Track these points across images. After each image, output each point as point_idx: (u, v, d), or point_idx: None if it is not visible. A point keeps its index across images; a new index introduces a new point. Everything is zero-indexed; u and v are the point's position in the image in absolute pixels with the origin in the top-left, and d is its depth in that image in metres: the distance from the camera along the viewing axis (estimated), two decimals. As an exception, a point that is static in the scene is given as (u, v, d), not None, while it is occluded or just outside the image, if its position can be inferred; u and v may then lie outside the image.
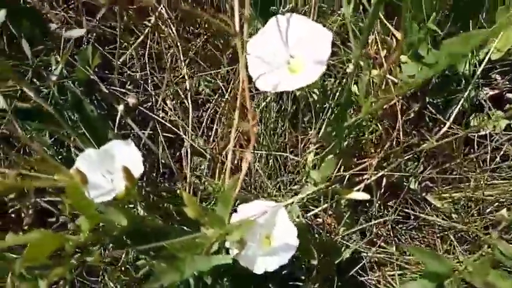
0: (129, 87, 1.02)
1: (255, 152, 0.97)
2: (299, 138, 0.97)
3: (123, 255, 0.76)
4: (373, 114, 0.72)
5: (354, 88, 0.84)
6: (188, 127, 0.92)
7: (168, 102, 0.92)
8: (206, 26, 0.98)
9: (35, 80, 0.93)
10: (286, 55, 0.67)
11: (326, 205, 0.78)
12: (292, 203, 0.71)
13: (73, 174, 0.57)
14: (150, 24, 0.89)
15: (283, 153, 0.94)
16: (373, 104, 0.60)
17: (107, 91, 0.89)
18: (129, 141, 0.66)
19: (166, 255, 0.67)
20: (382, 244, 0.91)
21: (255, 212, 0.65)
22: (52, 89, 0.85)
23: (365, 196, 0.71)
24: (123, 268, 0.84)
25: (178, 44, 0.92)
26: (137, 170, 0.62)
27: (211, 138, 0.93)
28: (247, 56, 0.66)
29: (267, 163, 0.96)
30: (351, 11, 0.57)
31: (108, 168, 0.64)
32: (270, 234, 0.66)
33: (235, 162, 1.01)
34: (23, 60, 0.92)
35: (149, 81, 1.00)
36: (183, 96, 0.96)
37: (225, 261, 0.63)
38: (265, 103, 0.97)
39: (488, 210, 0.94)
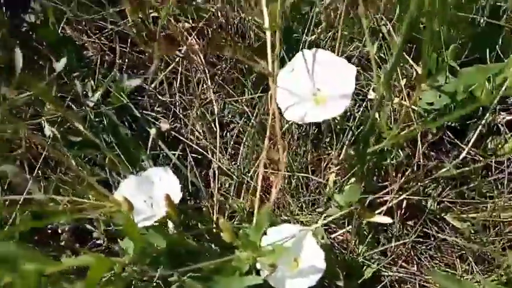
0: (158, 109, 1.08)
1: (278, 172, 1.02)
2: (322, 158, 1.01)
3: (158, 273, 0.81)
4: (396, 143, 0.76)
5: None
6: (216, 149, 0.97)
7: (197, 126, 0.97)
8: (232, 52, 1.03)
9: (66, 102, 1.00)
10: (313, 88, 0.71)
11: (350, 227, 0.82)
12: (317, 226, 0.75)
13: (120, 201, 0.62)
14: (181, 54, 0.94)
15: (305, 175, 0.98)
16: (397, 134, 0.64)
17: (139, 115, 0.94)
18: (167, 168, 0.71)
19: (200, 275, 0.72)
20: (403, 264, 0.94)
21: (284, 235, 0.69)
22: (89, 114, 0.91)
23: (387, 220, 0.74)
24: (154, 284, 0.89)
25: (206, 70, 0.97)
26: (176, 196, 0.66)
27: (239, 158, 0.98)
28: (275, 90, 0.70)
29: (289, 183, 1.00)
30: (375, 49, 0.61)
31: (148, 194, 0.69)
32: (297, 257, 0.70)
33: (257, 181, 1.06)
34: (61, 85, 0.99)
35: (177, 103, 1.05)
36: (210, 119, 1.01)
37: (257, 282, 0.68)
38: (287, 125, 1.01)
39: (506, 230, 0.96)
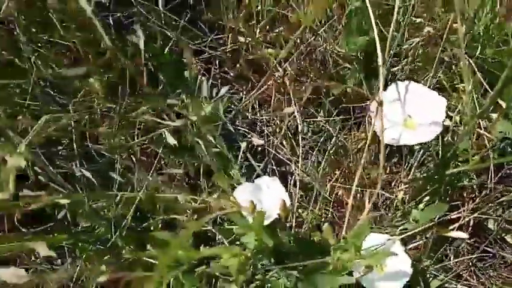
0: (239, 121, 1.21)
1: (349, 187, 1.12)
2: (390, 176, 1.11)
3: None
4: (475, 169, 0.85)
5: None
6: (293, 162, 1.09)
7: (283, 141, 1.09)
8: (313, 76, 1.15)
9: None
10: (405, 115, 0.82)
11: (421, 241, 0.91)
12: (399, 238, 0.84)
13: (239, 203, 0.74)
14: (274, 80, 1.07)
15: (378, 191, 1.07)
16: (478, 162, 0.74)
17: (233, 130, 1.07)
18: (275, 178, 0.82)
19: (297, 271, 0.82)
20: (467, 277, 1.03)
21: (374, 242, 0.79)
22: (189, 128, 1.04)
23: (463, 235, 0.83)
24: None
25: (291, 91, 1.10)
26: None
27: (319, 171, 1.08)
28: (370, 114, 0.81)
29: (361, 198, 1.10)
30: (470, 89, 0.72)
31: (258, 199, 0.81)
32: (384, 262, 0.80)
33: (327, 193, 1.16)
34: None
35: (259, 120, 1.18)
36: (290, 135, 1.13)
37: (350, 282, 0.78)
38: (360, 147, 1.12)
39: None
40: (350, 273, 0.80)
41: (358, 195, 1.14)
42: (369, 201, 0.78)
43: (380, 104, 0.69)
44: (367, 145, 0.79)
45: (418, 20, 0.90)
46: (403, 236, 0.82)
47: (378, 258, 0.70)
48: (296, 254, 0.85)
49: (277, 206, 0.75)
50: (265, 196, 0.81)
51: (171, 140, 0.87)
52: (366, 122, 0.94)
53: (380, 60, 0.69)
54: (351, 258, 0.72)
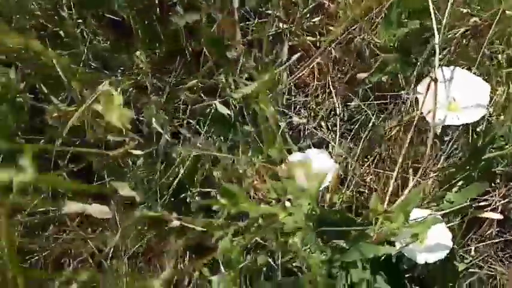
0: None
1: (378, 171, 1.17)
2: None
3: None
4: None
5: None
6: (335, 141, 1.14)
7: (322, 123, 1.14)
8: (351, 65, 1.20)
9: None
10: (449, 97, 0.86)
11: (458, 221, 0.95)
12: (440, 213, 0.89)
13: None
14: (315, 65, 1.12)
15: (408, 176, 1.12)
16: None
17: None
18: (324, 150, 0.87)
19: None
20: (492, 261, 1.07)
21: (414, 217, 0.84)
22: (232, 105, 1.08)
23: (497, 216, 0.88)
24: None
25: (329, 78, 1.14)
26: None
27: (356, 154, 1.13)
28: (418, 95, 0.86)
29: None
30: None
31: (307, 169, 0.85)
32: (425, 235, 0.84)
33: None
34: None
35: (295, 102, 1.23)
36: (324, 116, 1.18)
37: (390, 252, 0.82)
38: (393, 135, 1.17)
39: None
40: (392, 244, 0.84)
41: (384, 181, 1.20)
42: (414, 175, 0.83)
43: (435, 80, 0.74)
44: (414, 125, 0.83)
45: (465, 10, 0.95)
46: (440, 213, 0.87)
47: (425, 226, 0.74)
48: (339, 224, 0.89)
49: (328, 175, 0.79)
50: (315, 166, 0.85)
51: (224, 110, 0.91)
52: (414, 101, 0.99)
53: (436, 39, 0.74)
54: (399, 226, 0.76)
